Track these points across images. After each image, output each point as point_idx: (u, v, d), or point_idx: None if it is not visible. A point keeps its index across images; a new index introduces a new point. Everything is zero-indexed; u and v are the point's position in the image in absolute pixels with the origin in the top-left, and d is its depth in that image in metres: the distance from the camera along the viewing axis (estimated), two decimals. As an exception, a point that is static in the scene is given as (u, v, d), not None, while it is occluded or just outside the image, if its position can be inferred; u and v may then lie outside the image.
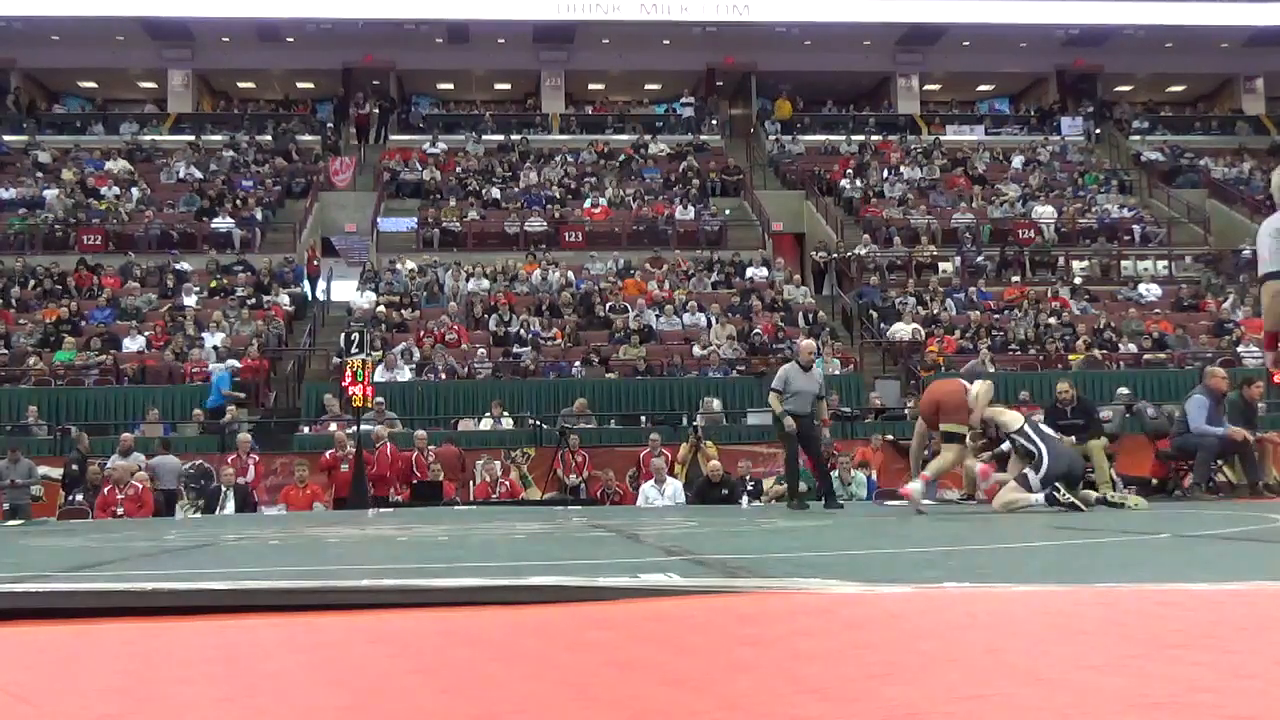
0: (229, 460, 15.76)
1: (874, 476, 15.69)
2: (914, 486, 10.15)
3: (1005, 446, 10.24)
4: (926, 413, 10.74)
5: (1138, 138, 34.65)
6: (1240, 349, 20.94)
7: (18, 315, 22.25)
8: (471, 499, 15.69)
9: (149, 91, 35.89)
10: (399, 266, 24.74)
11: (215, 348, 20.59)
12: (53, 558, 6.74)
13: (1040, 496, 9.37)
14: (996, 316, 22.83)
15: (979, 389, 10.43)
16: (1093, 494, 10.33)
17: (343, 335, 16.97)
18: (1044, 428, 10.09)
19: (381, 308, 22.21)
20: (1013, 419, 10.09)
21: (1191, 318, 23.33)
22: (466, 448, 16.98)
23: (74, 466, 15.57)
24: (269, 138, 32.29)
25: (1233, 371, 18.27)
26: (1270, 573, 4.09)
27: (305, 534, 8.98)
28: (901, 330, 21.99)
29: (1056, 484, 9.29)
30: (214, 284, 23.75)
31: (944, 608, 3.01)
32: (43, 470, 15.72)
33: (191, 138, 32.06)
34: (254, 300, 22.95)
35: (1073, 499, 9.17)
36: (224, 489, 14.97)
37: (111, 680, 2.16)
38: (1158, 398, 16.53)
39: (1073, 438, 12.77)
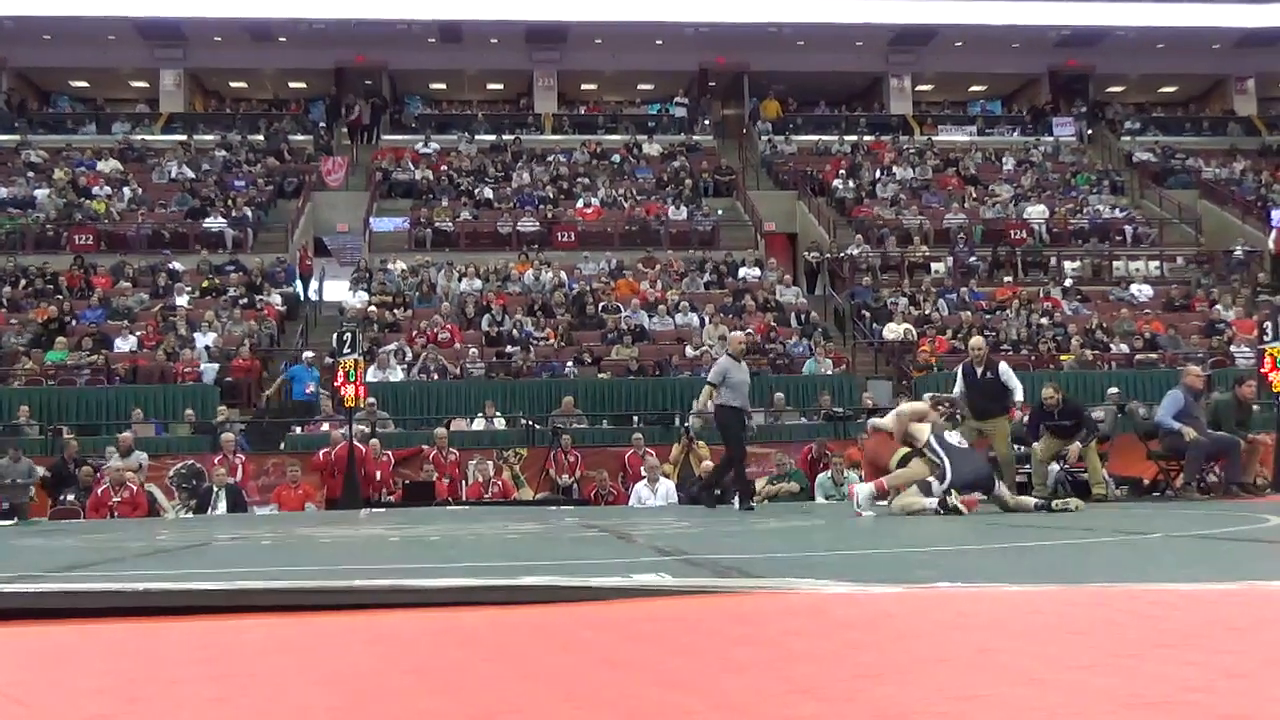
0: (216, 460, 15.75)
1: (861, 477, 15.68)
2: (862, 487, 10.10)
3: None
4: (877, 467, 10.60)
5: (1129, 138, 34.68)
6: (1232, 349, 20.98)
7: (9, 315, 22.18)
8: (464, 499, 15.68)
9: (141, 91, 35.78)
10: (391, 266, 24.71)
11: (207, 348, 20.56)
12: (45, 558, 6.73)
13: (934, 502, 9.52)
14: (988, 317, 22.82)
15: (903, 408, 10.74)
16: (1031, 499, 10.35)
17: (335, 335, 16.94)
18: (949, 438, 10.09)
19: (374, 308, 22.18)
20: (922, 433, 10.17)
21: (1183, 318, 23.35)
22: (459, 448, 16.97)
23: (47, 472, 15.49)
24: (261, 137, 32.19)
25: (1225, 371, 18.38)
26: (1262, 573, 4.10)
27: (298, 534, 8.97)
28: (894, 330, 22.00)
29: (951, 490, 9.43)
30: (206, 284, 23.67)
31: (936, 608, 3.01)
32: (40, 470, 15.68)
33: (183, 137, 31.97)
34: (246, 300, 22.87)
35: (958, 504, 9.33)
36: (216, 489, 14.93)
37: (104, 681, 2.16)
38: (1149, 398, 16.53)
39: (1070, 440, 12.83)
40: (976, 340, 13.61)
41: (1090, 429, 13.07)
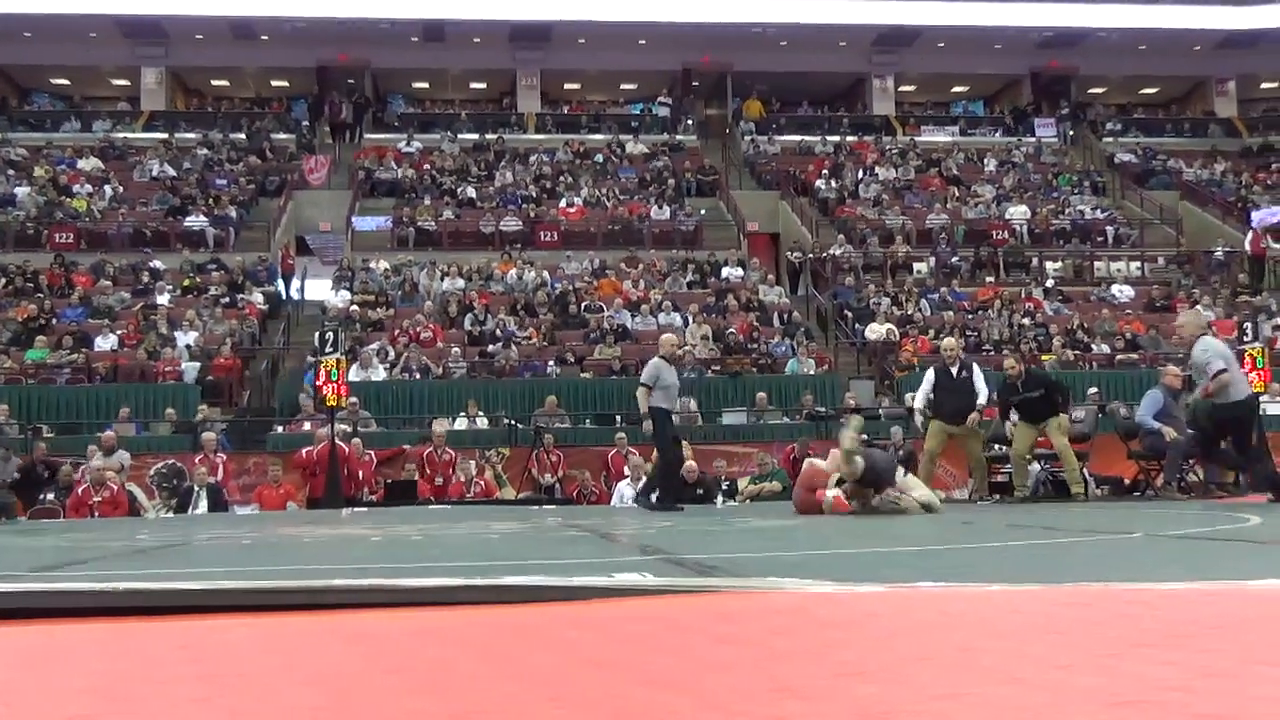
0: (197, 459, 15.69)
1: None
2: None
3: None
4: (809, 488, 10.89)
5: (1111, 139, 34.82)
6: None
7: (-12, 313, 22.07)
8: (447, 498, 15.65)
9: (122, 89, 35.62)
10: (373, 265, 24.65)
11: (188, 347, 20.48)
12: (25, 557, 6.69)
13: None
14: (970, 317, 22.90)
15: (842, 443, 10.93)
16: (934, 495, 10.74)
17: (317, 334, 16.91)
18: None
19: (356, 307, 22.12)
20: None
21: (1164, 318, 23.42)
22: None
23: (16, 474, 15.39)
24: (243, 136, 32.10)
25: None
26: (1241, 572, 4.12)
27: (279, 533, 8.94)
28: (876, 331, 22.04)
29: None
30: (187, 283, 23.58)
31: (918, 607, 3.02)
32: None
33: (165, 136, 31.83)
34: (228, 299, 22.79)
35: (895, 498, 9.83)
36: (197, 489, 14.88)
37: (85, 681, 2.15)
38: (1130, 398, 16.62)
39: (1043, 420, 12.76)
40: (949, 341, 13.67)
41: (1062, 397, 13.00)
